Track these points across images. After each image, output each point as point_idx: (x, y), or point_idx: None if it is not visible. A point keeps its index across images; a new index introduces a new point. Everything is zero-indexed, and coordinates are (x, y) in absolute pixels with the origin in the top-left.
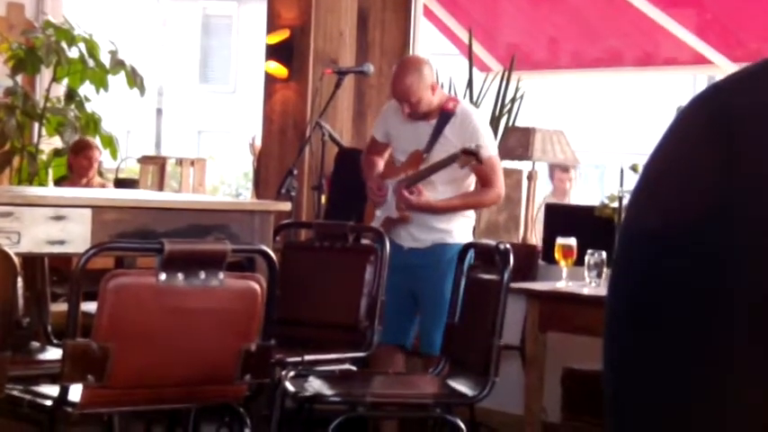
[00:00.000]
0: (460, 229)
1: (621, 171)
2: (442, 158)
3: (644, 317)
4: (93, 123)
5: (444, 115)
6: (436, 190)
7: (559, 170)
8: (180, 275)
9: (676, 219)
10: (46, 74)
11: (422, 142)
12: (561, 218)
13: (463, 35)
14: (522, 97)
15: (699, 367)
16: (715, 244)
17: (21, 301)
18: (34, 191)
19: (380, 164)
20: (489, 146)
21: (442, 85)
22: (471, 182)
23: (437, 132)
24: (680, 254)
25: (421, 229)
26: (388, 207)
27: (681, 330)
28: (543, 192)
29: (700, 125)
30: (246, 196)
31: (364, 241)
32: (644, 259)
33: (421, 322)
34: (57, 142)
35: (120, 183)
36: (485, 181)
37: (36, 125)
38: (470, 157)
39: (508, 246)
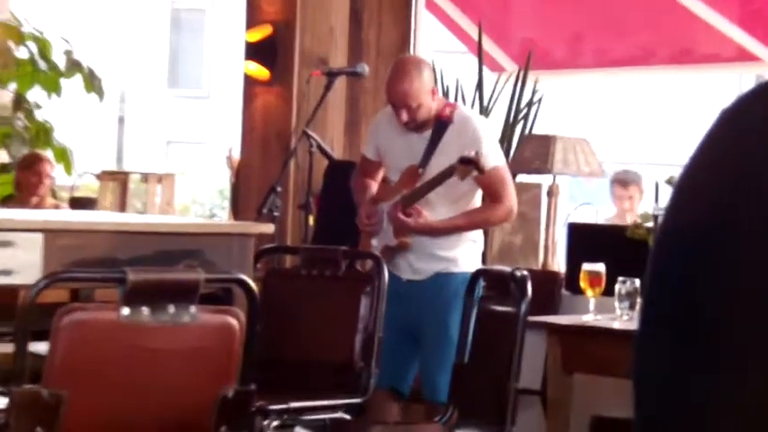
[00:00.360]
0: (467, 256)
1: (656, 185)
2: (441, 171)
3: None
4: (44, 134)
5: (440, 123)
6: (438, 211)
7: (618, 185)
8: (145, 310)
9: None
10: None
11: (417, 156)
12: (587, 240)
13: (472, 30)
14: (539, 101)
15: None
16: None
17: None
18: None
19: (373, 187)
20: (494, 153)
21: (446, 90)
22: (479, 199)
23: (433, 143)
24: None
25: (421, 258)
26: (385, 234)
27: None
28: (565, 209)
29: (756, 121)
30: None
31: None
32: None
33: (422, 364)
34: (2, 156)
35: (76, 202)
36: (492, 195)
37: None
38: (469, 166)
39: (525, 272)
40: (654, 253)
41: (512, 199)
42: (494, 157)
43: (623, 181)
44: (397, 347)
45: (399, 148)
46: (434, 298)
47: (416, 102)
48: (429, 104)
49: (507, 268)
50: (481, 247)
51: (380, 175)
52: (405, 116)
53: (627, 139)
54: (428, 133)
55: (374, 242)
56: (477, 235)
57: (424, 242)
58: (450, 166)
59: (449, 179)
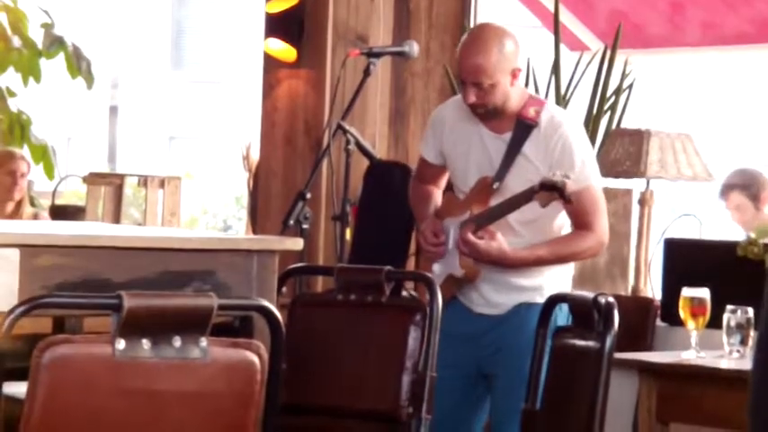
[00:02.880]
0: (556, 283)
1: None
2: (517, 192)
3: None
4: (19, 128)
5: (523, 126)
6: (515, 232)
7: (733, 191)
8: (145, 343)
9: None
10: None
11: (493, 163)
12: (689, 260)
13: (548, 0)
14: (631, 87)
15: None
16: None
17: None
18: None
19: (438, 196)
20: (588, 169)
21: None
22: (564, 223)
23: (513, 151)
24: None
25: (498, 288)
26: (449, 259)
27: None
28: (662, 221)
29: None
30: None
31: (406, 293)
32: None
33: (493, 413)
34: None
35: (60, 212)
36: (578, 220)
37: None
38: (553, 193)
39: (611, 299)
40: None
41: (604, 227)
42: (587, 174)
43: (741, 185)
44: (464, 392)
45: (470, 150)
46: (514, 334)
47: (491, 80)
48: (506, 88)
49: (589, 294)
50: (572, 271)
51: (444, 181)
52: (472, 96)
53: (740, 134)
54: (508, 135)
55: (436, 268)
56: None
57: (502, 270)
58: (529, 190)
59: (527, 203)
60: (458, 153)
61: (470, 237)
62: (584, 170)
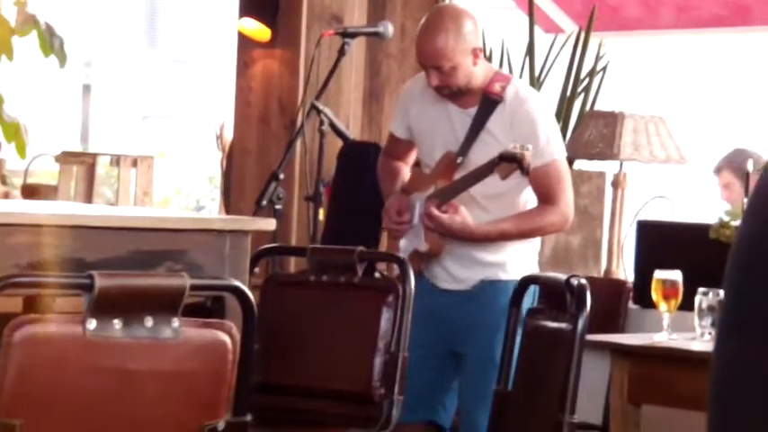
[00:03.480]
0: (520, 260)
1: (747, 174)
2: (480, 165)
3: None
4: None
5: (488, 101)
6: (481, 207)
7: (728, 169)
8: (117, 323)
9: None
10: None
11: (458, 138)
12: (661, 242)
13: None
14: (605, 69)
15: None
16: None
17: None
18: None
19: (405, 172)
20: (553, 143)
21: (489, 54)
22: (529, 197)
23: (477, 126)
24: None
25: (462, 264)
26: (414, 234)
27: None
28: (635, 204)
29: None
30: (213, 210)
31: (379, 274)
32: None
33: (462, 393)
34: None
35: (31, 191)
36: (544, 194)
37: None
38: (512, 164)
39: (584, 281)
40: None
41: (569, 202)
42: (552, 149)
43: (734, 164)
44: (434, 372)
45: (437, 125)
46: (480, 312)
47: (451, 62)
48: (468, 68)
49: (562, 275)
50: (537, 248)
51: (413, 157)
52: (435, 80)
53: (714, 117)
54: (473, 110)
55: (402, 244)
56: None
57: (465, 245)
58: (489, 162)
59: (489, 176)
60: (425, 128)
61: (434, 211)
62: (549, 145)
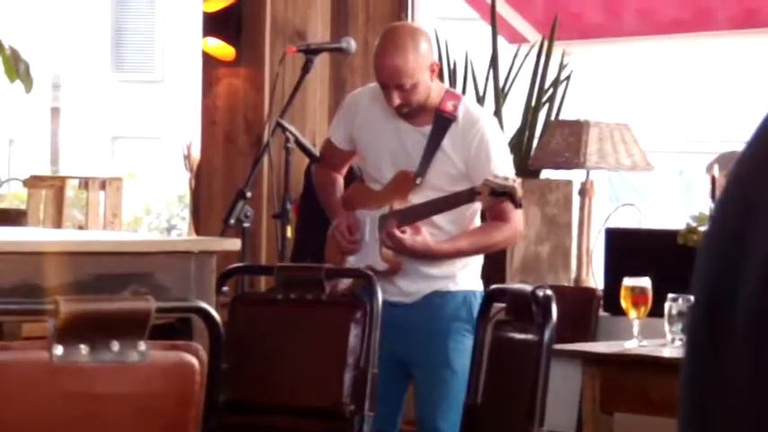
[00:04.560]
0: (466, 272)
1: (713, 179)
2: (453, 192)
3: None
4: None
5: (442, 120)
6: (432, 222)
7: (718, 166)
8: (83, 348)
9: None
10: None
11: (411, 157)
12: (630, 249)
13: None
14: (569, 78)
15: None
16: None
17: None
18: None
19: (341, 183)
20: (504, 163)
21: (453, 66)
22: (477, 210)
23: (433, 146)
24: None
25: (410, 278)
26: (367, 252)
27: None
28: (603, 211)
29: None
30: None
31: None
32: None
33: (418, 404)
34: None
35: (1, 216)
36: (496, 212)
37: None
38: (502, 198)
39: (549, 291)
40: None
41: (520, 218)
42: (504, 168)
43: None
44: (387, 384)
45: (385, 142)
46: (429, 322)
47: (412, 80)
48: (427, 84)
49: (527, 286)
50: (481, 261)
51: (346, 168)
52: (397, 99)
53: (679, 122)
54: (427, 129)
55: (352, 260)
56: None
57: (415, 261)
58: (470, 190)
59: (467, 204)
60: (371, 143)
61: (396, 232)
62: (501, 166)
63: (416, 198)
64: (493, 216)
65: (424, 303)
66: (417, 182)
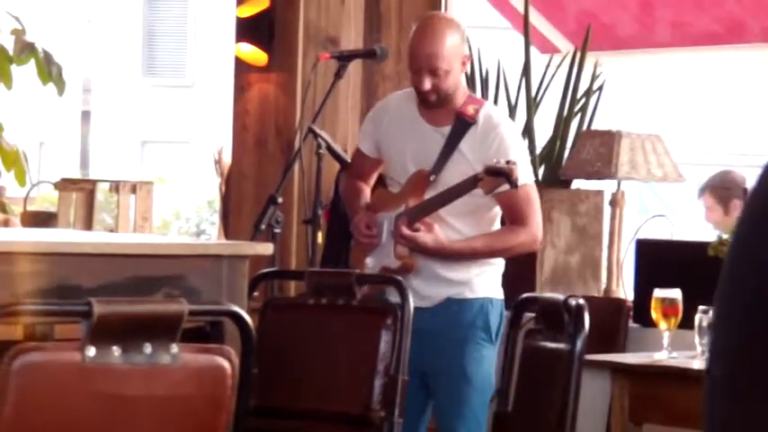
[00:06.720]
0: (484, 279)
1: (745, 191)
2: (456, 183)
3: None
4: None
5: (461, 122)
6: (450, 226)
7: (710, 190)
8: (116, 350)
9: None
10: None
11: (429, 157)
12: (660, 260)
13: (517, 1)
14: (601, 88)
15: None
16: None
17: None
18: None
19: (367, 192)
20: (523, 168)
21: (486, 74)
22: (496, 216)
23: (450, 146)
24: None
25: (428, 282)
26: (383, 252)
27: None
28: (633, 223)
29: None
30: (213, 234)
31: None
32: None
33: (438, 413)
34: None
35: (31, 218)
36: (515, 216)
37: None
38: (500, 179)
39: (581, 301)
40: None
41: (539, 223)
42: (521, 174)
43: (715, 188)
44: (410, 396)
45: (409, 141)
46: (445, 329)
47: (446, 66)
48: (458, 75)
49: (560, 296)
50: (501, 269)
51: (375, 177)
52: (427, 83)
53: (710, 134)
54: (446, 129)
55: (370, 262)
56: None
57: (431, 263)
58: (473, 177)
59: (470, 192)
60: (396, 145)
61: (404, 230)
62: (521, 168)
63: (434, 195)
64: (512, 220)
65: (440, 311)
66: (431, 179)
